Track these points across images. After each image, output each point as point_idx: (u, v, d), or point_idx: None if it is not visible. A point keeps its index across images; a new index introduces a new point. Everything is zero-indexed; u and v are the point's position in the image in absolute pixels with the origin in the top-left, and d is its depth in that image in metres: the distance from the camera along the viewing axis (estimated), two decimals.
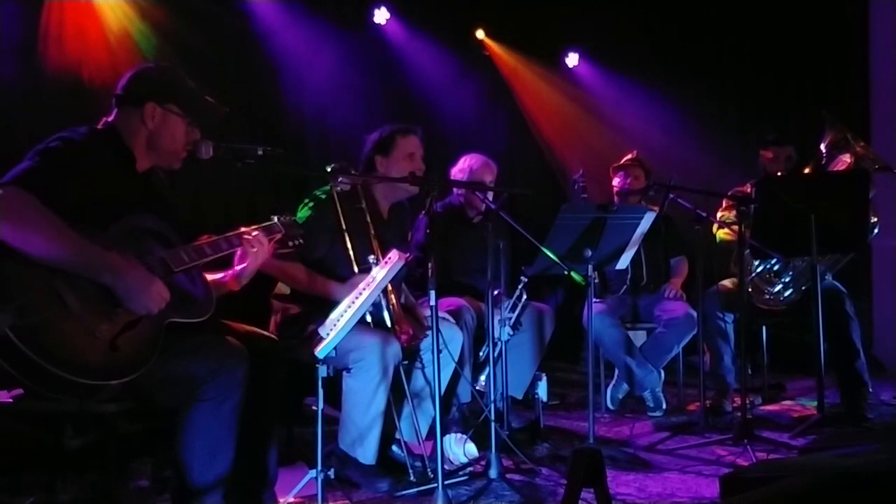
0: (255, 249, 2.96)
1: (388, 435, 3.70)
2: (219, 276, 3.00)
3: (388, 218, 4.02)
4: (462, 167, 4.83)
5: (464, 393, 4.30)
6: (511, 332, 4.06)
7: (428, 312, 3.89)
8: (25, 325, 2.29)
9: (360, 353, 3.41)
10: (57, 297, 2.39)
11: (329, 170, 3.53)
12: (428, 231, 3.43)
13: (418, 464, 3.67)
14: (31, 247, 2.39)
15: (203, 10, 5.07)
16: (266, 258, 3.04)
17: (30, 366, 2.29)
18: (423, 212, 4.32)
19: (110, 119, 2.85)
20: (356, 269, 3.55)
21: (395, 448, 3.76)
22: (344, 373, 3.48)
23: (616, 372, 5.08)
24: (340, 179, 3.54)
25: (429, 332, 3.49)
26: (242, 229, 3.01)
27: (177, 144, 2.88)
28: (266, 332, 3.16)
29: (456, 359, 3.86)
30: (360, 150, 4.07)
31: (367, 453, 3.49)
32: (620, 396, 5.09)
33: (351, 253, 3.58)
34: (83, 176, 2.60)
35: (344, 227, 3.57)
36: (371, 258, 3.44)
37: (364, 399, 3.44)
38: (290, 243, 3.23)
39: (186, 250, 2.76)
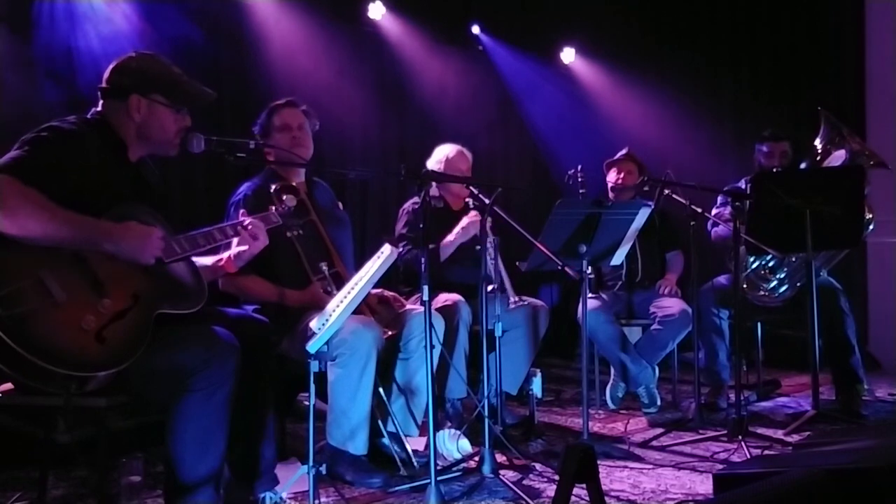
0: (252, 238, 2.99)
1: (377, 428, 3.72)
2: (215, 258, 3.02)
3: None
4: (439, 157, 4.84)
5: (457, 389, 4.30)
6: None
7: (409, 305, 3.92)
8: (10, 316, 2.28)
9: (342, 338, 3.36)
10: (43, 289, 2.37)
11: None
12: (422, 226, 3.38)
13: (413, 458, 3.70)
14: (27, 230, 2.39)
15: (197, 4, 5.05)
16: (263, 245, 3.05)
17: (14, 357, 2.28)
18: (418, 206, 4.32)
19: (99, 109, 2.84)
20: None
21: (384, 440, 3.76)
22: (329, 363, 3.44)
23: (613, 371, 5.07)
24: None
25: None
26: (239, 220, 3.02)
27: (167, 133, 2.86)
28: (258, 316, 3.15)
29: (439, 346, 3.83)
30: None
31: (357, 444, 3.46)
32: (620, 395, 5.07)
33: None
34: (73, 164, 2.59)
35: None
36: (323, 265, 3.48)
37: (350, 385, 3.40)
38: (288, 234, 3.24)
39: (178, 241, 2.75)
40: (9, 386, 2.59)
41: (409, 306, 3.98)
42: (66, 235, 2.45)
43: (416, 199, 4.63)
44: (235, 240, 3.00)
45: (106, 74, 2.86)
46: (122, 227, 2.57)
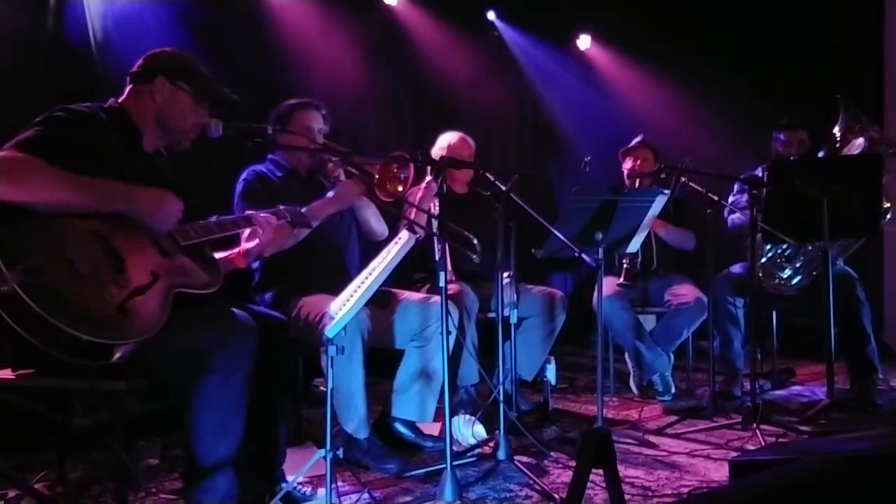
0: (262, 231, 3.02)
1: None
2: (225, 253, 3.05)
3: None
4: (441, 144, 4.85)
5: (471, 375, 4.31)
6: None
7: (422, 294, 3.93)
8: (35, 284, 2.29)
9: None
10: (66, 261, 2.40)
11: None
12: (439, 212, 3.38)
13: (429, 444, 3.76)
14: (41, 197, 2.42)
15: None
16: (270, 240, 3.08)
17: (38, 323, 2.28)
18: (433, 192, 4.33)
19: (120, 99, 2.88)
20: None
21: (397, 425, 3.80)
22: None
23: (629, 360, 5.07)
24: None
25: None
26: (249, 212, 3.05)
27: (185, 122, 2.89)
28: (276, 314, 3.16)
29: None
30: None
31: (359, 429, 3.51)
32: (644, 383, 5.07)
33: None
34: (84, 144, 2.62)
35: None
36: None
37: (343, 369, 3.40)
38: (296, 231, 3.27)
39: (194, 227, 2.79)
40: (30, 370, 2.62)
41: (423, 296, 4.00)
42: (76, 198, 2.49)
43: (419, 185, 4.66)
44: (246, 233, 3.04)
45: (139, 61, 2.91)
46: (136, 189, 2.64)
